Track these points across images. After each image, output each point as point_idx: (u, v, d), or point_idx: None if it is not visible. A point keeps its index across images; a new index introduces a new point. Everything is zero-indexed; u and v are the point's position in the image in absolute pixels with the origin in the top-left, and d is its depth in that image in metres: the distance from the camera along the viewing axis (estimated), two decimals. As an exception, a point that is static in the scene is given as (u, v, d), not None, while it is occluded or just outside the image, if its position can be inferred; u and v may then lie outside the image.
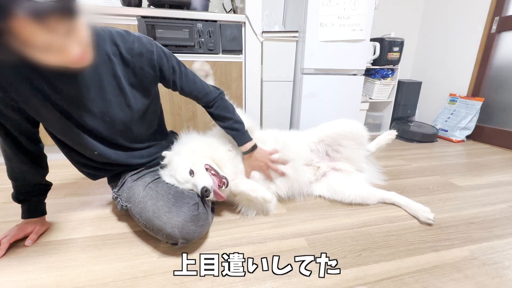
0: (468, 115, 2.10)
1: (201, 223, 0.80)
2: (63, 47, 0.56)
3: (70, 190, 1.22)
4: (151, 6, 1.59)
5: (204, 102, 0.95)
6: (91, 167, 0.89)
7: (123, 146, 0.87)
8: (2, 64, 0.65)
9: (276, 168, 1.05)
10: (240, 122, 1.00)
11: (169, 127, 1.12)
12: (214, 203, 1.02)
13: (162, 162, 0.95)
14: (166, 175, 0.91)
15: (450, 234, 0.90)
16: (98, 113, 0.77)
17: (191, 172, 0.87)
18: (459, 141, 2.12)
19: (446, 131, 2.20)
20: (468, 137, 2.16)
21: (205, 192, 0.82)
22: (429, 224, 0.95)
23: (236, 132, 1.00)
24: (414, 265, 0.76)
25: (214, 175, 0.91)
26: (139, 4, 1.56)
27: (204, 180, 0.85)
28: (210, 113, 1.00)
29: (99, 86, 0.75)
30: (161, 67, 0.83)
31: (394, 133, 1.31)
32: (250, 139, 1.02)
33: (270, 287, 0.68)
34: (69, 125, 0.75)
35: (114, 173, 0.94)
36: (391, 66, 2.21)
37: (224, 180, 0.91)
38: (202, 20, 1.55)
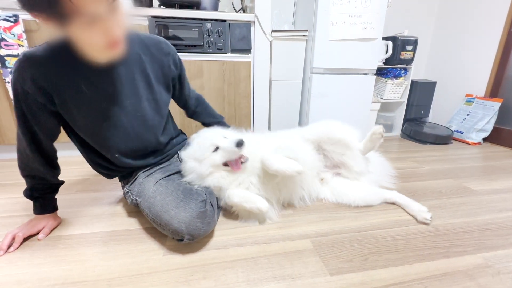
0: (485, 117, 2.02)
1: (207, 220, 0.81)
2: (107, 25, 0.62)
3: (82, 186, 1.25)
4: (162, 6, 1.61)
5: (192, 103, 1.13)
6: (108, 168, 0.94)
7: (146, 151, 0.94)
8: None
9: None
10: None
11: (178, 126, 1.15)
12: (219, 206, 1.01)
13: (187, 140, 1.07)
14: (188, 156, 0.97)
15: (463, 240, 0.87)
16: (132, 109, 0.83)
17: (217, 148, 0.93)
18: (475, 144, 2.03)
19: (462, 133, 2.12)
20: (485, 139, 2.08)
21: (241, 141, 0.88)
22: (426, 224, 0.96)
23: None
24: (423, 271, 0.73)
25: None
26: (150, 4, 1.58)
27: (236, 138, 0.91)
28: (195, 114, 1.17)
29: (132, 83, 0.82)
30: (181, 66, 0.99)
31: (379, 130, 1.06)
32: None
33: (273, 288, 0.68)
34: (101, 125, 0.81)
35: (127, 172, 0.98)
36: (404, 66, 2.15)
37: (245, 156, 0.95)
38: (211, 20, 1.55)
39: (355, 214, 1.02)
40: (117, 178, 1.02)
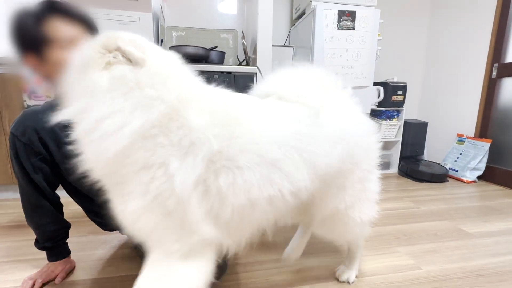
0: (477, 156, 2.11)
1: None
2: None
3: (92, 228, 1.30)
4: (175, 60, 1.82)
5: None
6: (102, 215, 0.96)
7: None
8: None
9: None
10: None
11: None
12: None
13: None
14: None
15: (457, 287, 0.91)
16: None
17: None
18: (470, 182, 2.10)
19: (457, 171, 2.20)
20: (479, 177, 2.15)
21: None
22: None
23: None
24: (418, 320, 0.77)
25: None
26: (164, 59, 1.79)
27: None
28: None
29: None
30: None
31: None
32: None
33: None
34: None
35: None
36: (396, 108, 2.31)
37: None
38: (218, 72, 1.74)
39: (354, 259, 1.07)
40: None
